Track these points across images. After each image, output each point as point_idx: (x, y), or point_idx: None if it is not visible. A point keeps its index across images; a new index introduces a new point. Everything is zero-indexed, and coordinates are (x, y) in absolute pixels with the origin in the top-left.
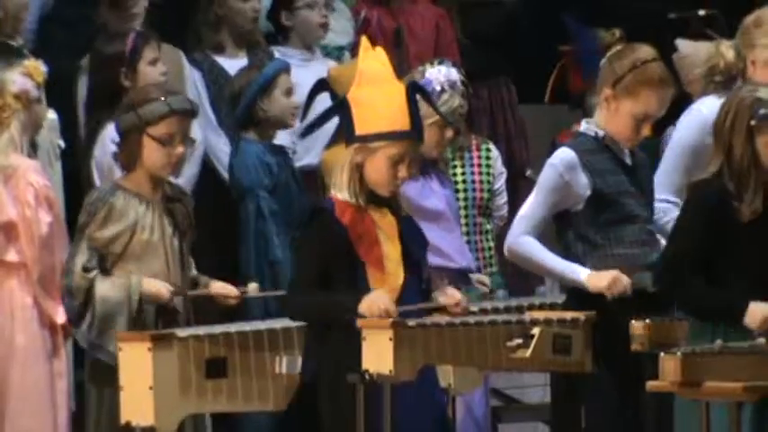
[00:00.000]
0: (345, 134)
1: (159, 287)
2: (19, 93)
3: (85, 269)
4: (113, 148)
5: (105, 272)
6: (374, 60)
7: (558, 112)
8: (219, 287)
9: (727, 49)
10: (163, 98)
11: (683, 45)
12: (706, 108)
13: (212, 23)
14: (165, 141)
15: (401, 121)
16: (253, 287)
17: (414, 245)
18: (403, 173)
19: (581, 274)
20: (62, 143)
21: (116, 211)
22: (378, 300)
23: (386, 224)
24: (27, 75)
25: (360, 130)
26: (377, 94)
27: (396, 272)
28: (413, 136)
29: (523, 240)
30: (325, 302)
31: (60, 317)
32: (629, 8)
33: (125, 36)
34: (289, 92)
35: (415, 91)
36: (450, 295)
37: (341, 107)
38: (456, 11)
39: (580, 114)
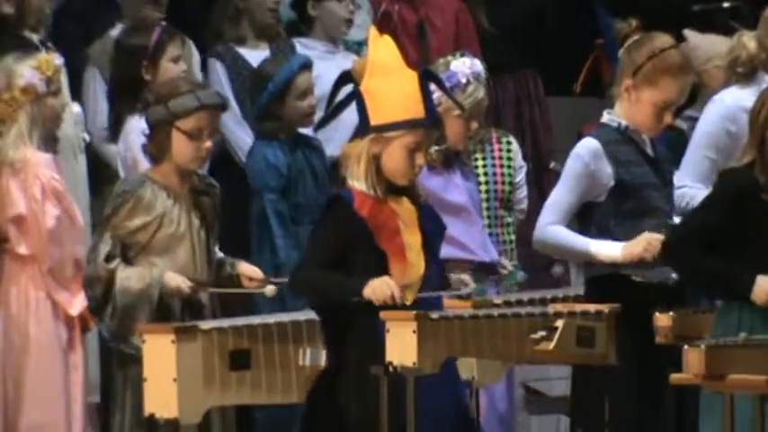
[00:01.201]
0: (360, 125)
1: (179, 283)
2: (26, 87)
3: (107, 258)
4: (142, 140)
5: (128, 262)
6: (384, 50)
7: (586, 104)
8: (246, 268)
9: (748, 40)
10: (193, 92)
11: (691, 36)
12: (729, 98)
13: (232, 17)
14: (194, 135)
15: (415, 109)
16: (270, 289)
17: (433, 233)
18: (420, 160)
19: (614, 248)
20: (87, 136)
21: (143, 203)
22: (383, 284)
23: (405, 213)
24: (36, 68)
25: (375, 120)
26: (389, 83)
27: (417, 261)
28: (428, 123)
29: (550, 229)
30: (332, 281)
31: (74, 309)
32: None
33: (150, 28)
34: (305, 93)
35: (428, 78)
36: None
37: (354, 99)
38: (483, 2)
39: (608, 106)
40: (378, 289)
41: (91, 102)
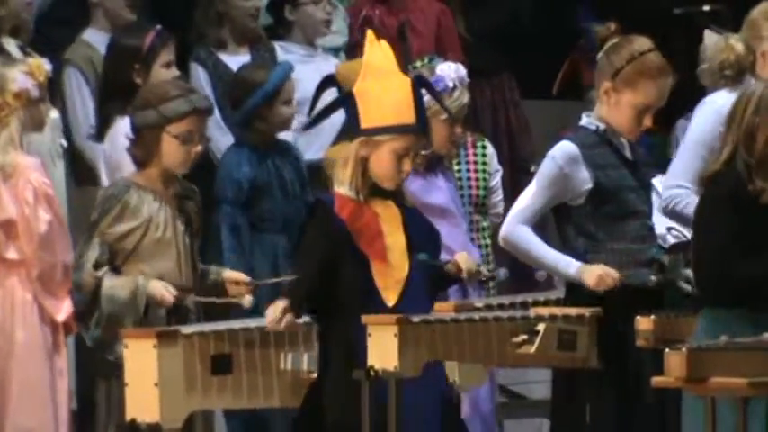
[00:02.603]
0: (350, 128)
1: (163, 292)
2: (19, 92)
3: (96, 266)
4: (126, 143)
5: (115, 269)
6: (379, 54)
7: (564, 107)
8: (231, 274)
9: (735, 43)
10: (185, 96)
11: (708, 36)
12: (721, 100)
13: (214, 19)
14: (185, 139)
15: (406, 115)
16: (248, 300)
17: (421, 236)
18: (407, 166)
19: (572, 267)
20: (65, 142)
21: (130, 208)
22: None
23: (389, 216)
24: (29, 74)
25: (365, 123)
26: (382, 87)
27: (400, 264)
28: (418, 130)
29: (518, 230)
30: None
31: (61, 315)
32: (635, 3)
33: (144, 31)
34: (290, 101)
35: (421, 85)
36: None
37: (346, 101)
38: (459, 7)
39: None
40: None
41: (75, 105)
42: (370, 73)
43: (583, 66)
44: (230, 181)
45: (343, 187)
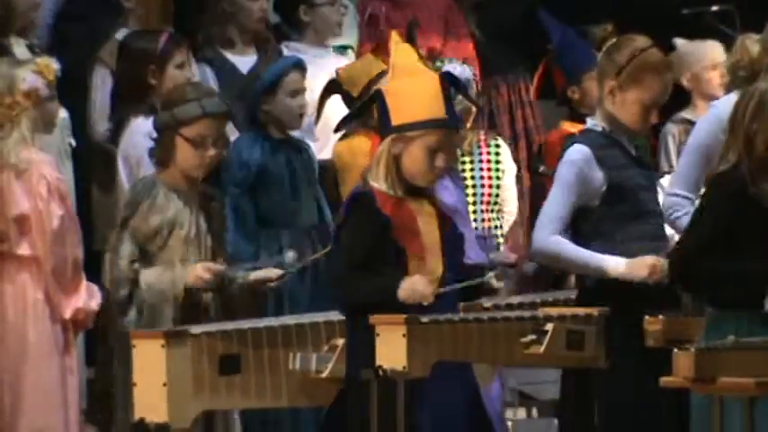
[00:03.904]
0: (381, 125)
1: (199, 273)
2: (29, 91)
3: (132, 261)
4: (149, 143)
5: (149, 262)
6: (406, 54)
7: (545, 108)
8: (258, 276)
9: (752, 44)
10: (198, 100)
11: (681, 44)
12: (722, 105)
13: (221, 16)
14: (197, 143)
15: (437, 110)
16: (290, 256)
17: (452, 237)
18: (440, 162)
19: (620, 266)
20: (73, 142)
21: (157, 204)
22: (416, 285)
23: (425, 215)
24: (38, 73)
25: (396, 120)
26: (411, 84)
27: (436, 263)
28: (449, 124)
29: (552, 240)
30: (375, 285)
31: (68, 312)
32: (646, 4)
33: (157, 34)
34: (295, 93)
35: (449, 81)
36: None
37: (375, 99)
38: (472, 7)
39: (566, 110)
40: (413, 293)
41: (98, 102)
42: (399, 72)
43: (554, 68)
44: (239, 161)
45: (379, 184)
